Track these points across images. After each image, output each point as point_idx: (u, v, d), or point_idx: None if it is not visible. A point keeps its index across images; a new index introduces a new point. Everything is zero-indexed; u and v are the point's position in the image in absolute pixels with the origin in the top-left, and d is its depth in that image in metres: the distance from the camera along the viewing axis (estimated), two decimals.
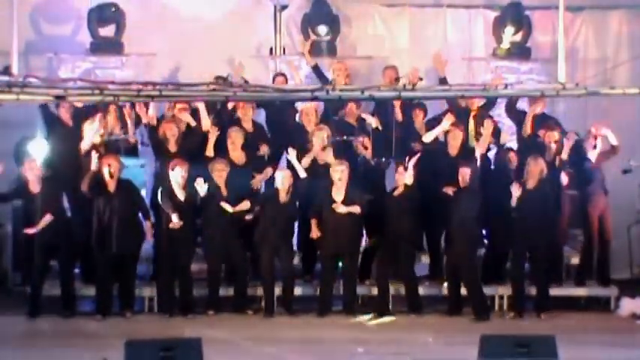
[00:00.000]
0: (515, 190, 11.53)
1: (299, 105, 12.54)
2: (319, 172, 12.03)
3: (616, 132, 12.98)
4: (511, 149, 12.49)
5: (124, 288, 11.68)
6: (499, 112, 13.11)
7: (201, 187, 11.57)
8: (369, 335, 11.05)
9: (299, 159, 12.21)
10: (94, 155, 11.50)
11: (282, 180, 11.72)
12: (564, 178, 12.11)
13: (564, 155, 11.95)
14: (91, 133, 11.77)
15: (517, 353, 7.94)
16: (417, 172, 11.73)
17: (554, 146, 12.07)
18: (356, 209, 11.65)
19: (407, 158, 11.82)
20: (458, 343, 10.35)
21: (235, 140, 12.15)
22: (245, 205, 11.77)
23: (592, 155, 12.32)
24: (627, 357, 10.09)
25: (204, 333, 10.58)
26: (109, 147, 11.94)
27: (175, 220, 11.49)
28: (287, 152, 12.06)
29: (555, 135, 12.16)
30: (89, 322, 11.38)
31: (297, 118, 12.73)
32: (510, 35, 13.90)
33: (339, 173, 11.70)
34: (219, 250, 11.79)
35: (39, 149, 12.05)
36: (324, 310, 11.76)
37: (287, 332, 11.09)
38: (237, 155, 12.16)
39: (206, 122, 12.13)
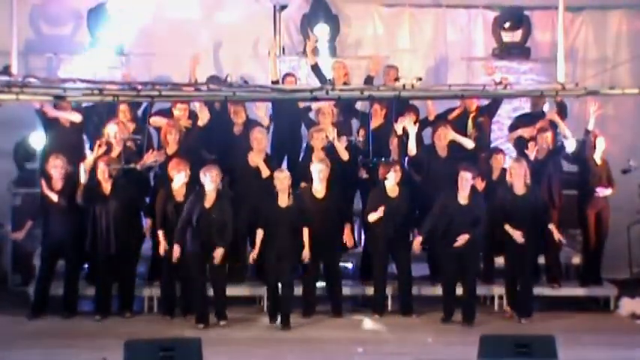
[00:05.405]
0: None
1: (314, 104, 12.34)
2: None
3: (616, 132, 13.04)
4: (499, 150, 12.47)
5: (123, 288, 11.65)
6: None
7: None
8: (369, 335, 11.05)
9: (296, 160, 12.25)
10: (82, 168, 11.42)
11: (282, 181, 11.37)
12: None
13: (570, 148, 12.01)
14: (119, 136, 11.77)
15: (517, 353, 7.94)
16: (405, 175, 11.79)
17: (544, 146, 12.03)
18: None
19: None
20: (458, 343, 10.35)
21: (261, 142, 11.89)
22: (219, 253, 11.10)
23: (596, 154, 12.29)
24: (627, 357, 10.10)
25: (204, 333, 10.64)
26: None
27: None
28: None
29: (549, 137, 12.12)
30: (89, 322, 11.37)
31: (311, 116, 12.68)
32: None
33: (318, 172, 11.55)
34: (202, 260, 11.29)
35: None
36: (308, 310, 11.63)
37: (287, 332, 11.09)
38: (258, 161, 11.85)
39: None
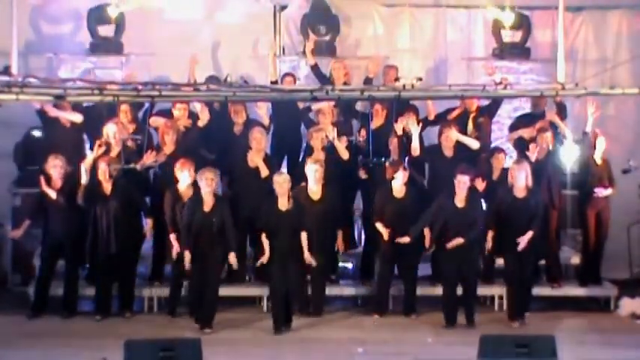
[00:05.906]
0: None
1: (314, 105, 12.28)
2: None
3: (616, 132, 13.00)
4: (500, 150, 12.46)
5: (123, 288, 11.64)
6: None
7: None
8: (369, 335, 11.04)
9: (296, 160, 12.25)
10: (83, 168, 11.45)
11: (281, 185, 11.13)
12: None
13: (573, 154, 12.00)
14: (118, 136, 11.75)
15: (517, 353, 7.95)
16: (411, 175, 11.74)
17: (544, 147, 12.01)
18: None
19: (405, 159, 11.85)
20: (458, 343, 10.36)
21: (261, 142, 11.81)
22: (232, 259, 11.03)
23: (596, 154, 12.28)
24: (627, 357, 10.09)
25: (204, 333, 10.64)
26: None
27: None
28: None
29: (549, 137, 12.10)
30: (89, 322, 11.37)
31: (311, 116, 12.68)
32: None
33: (314, 172, 11.48)
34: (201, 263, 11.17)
35: None
36: (305, 309, 11.58)
37: (287, 332, 11.08)
38: (257, 160, 11.80)
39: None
